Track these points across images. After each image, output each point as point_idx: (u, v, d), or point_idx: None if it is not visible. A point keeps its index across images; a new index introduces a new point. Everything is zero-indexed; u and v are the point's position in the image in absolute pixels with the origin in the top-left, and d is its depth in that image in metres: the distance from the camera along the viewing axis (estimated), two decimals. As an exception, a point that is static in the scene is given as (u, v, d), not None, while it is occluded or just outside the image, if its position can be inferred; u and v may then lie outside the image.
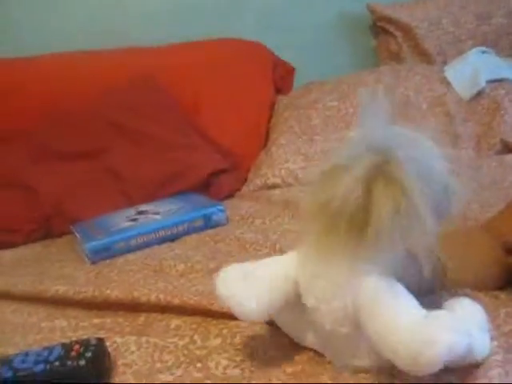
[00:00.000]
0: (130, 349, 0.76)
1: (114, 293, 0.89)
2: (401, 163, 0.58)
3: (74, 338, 0.79)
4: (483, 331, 0.61)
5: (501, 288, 0.75)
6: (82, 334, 0.82)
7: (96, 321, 0.86)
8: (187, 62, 1.71)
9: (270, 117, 1.67)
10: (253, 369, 0.67)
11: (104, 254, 1.13)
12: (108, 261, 1.11)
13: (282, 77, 1.80)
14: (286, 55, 1.85)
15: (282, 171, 1.46)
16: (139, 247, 1.15)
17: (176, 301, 0.84)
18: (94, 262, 1.12)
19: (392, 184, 0.57)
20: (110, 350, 0.74)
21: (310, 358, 0.67)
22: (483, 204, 1.08)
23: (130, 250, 1.14)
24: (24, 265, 1.17)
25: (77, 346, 0.70)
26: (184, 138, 1.49)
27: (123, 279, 0.98)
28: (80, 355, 0.68)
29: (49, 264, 1.15)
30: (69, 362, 0.68)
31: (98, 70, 1.65)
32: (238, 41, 1.80)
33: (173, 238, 1.18)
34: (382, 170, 0.58)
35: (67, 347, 0.70)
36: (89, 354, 0.68)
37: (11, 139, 1.51)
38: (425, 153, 0.61)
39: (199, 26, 1.83)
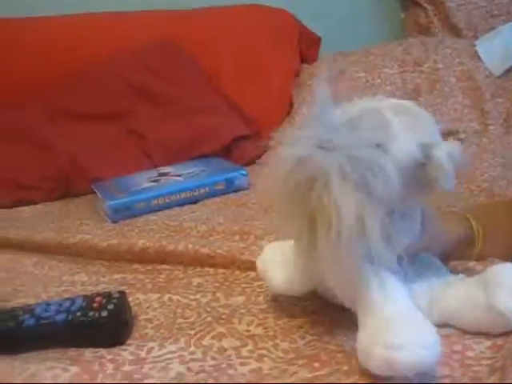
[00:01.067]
0: (153, 306, 0.75)
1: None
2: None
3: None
4: None
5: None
6: (103, 289, 0.82)
7: (117, 276, 0.86)
8: (212, 28, 1.68)
9: (295, 85, 1.64)
10: (276, 328, 0.66)
11: (124, 213, 1.12)
12: (128, 220, 1.11)
13: (307, 46, 1.77)
14: (312, 24, 1.81)
15: (305, 140, 1.43)
16: (160, 208, 1.15)
17: (205, 250, 0.83)
18: (114, 221, 1.11)
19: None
20: (131, 305, 0.74)
21: (333, 321, 0.66)
22: (511, 180, 1.07)
23: (150, 211, 1.14)
24: (44, 221, 1.16)
25: (99, 298, 0.70)
26: (207, 103, 1.47)
27: (144, 237, 0.98)
28: (102, 306, 0.68)
29: (69, 221, 1.15)
30: (90, 313, 0.67)
31: (121, 33, 1.64)
32: (265, 8, 1.77)
33: (194, 201, 1.17)
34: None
35: (89, 299, 0.70)
36: (111, 306, 0.68)
37: (29, 99, 1.50)
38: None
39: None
